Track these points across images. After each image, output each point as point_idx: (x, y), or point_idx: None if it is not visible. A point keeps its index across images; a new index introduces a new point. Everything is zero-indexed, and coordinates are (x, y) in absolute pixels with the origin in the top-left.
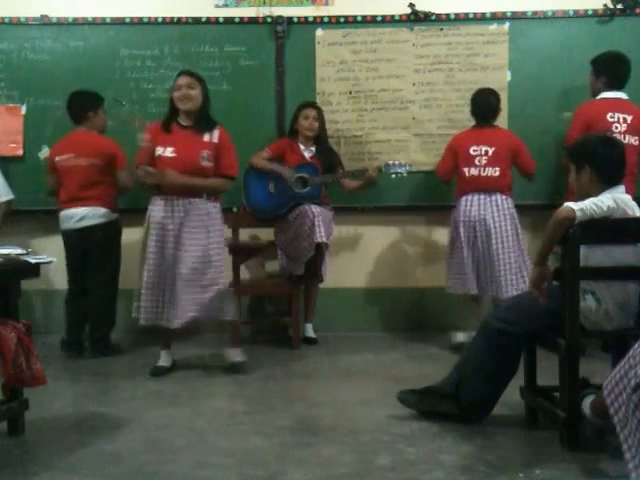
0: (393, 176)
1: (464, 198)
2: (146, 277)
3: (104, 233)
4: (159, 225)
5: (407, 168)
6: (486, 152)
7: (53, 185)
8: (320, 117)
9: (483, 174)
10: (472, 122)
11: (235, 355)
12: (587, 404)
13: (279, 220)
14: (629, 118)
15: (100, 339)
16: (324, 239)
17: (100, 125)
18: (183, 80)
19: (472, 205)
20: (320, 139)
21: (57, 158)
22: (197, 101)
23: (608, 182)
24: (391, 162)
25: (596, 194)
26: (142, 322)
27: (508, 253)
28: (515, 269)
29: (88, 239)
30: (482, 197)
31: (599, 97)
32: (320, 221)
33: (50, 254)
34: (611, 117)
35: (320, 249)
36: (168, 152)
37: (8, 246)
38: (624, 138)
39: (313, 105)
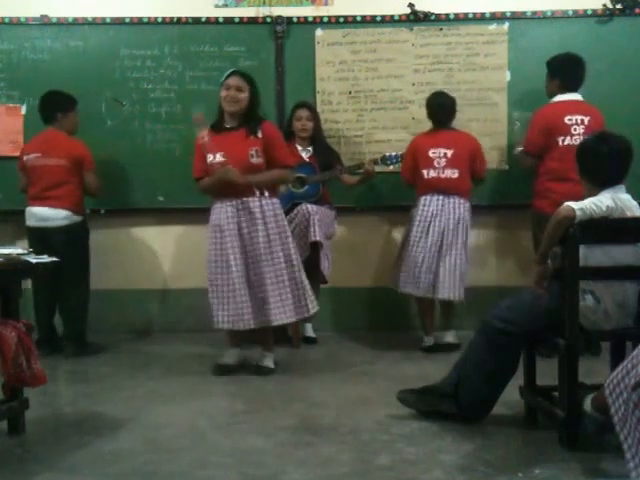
0: (391, 167)
1: (422, 198)
2: (214, 281)
3: (67, 235)
4: (218, 228)
5: (401, 158)
6: (445, 154)
7: (23, 183)
8: (314, 117)
9: (442, 175)
10: (472, 122)
11: (269, 360)
12: (588, 401)
13: None
14: (586, 119)
15: (75, 339)
16: (318, 238)
17: (69, 126)
18: (233, 81)
19: (430, 205)
20: (317, 138)
21: (25, 157)
22: (242, 104)
23: (603, 184)
24: (387, 154)
25: (596, 194)
26: (219, 326)
27: (455, 256)
28: (456, 274)
29: (50, 240)
30: (440, 198)
31: (555, 100)
32: (316, 220)
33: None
34: (569, 120)
35: (316, 248)
36: (218, 158)
37: (9, 246)
38: (585, 137)
39: (306, 105)
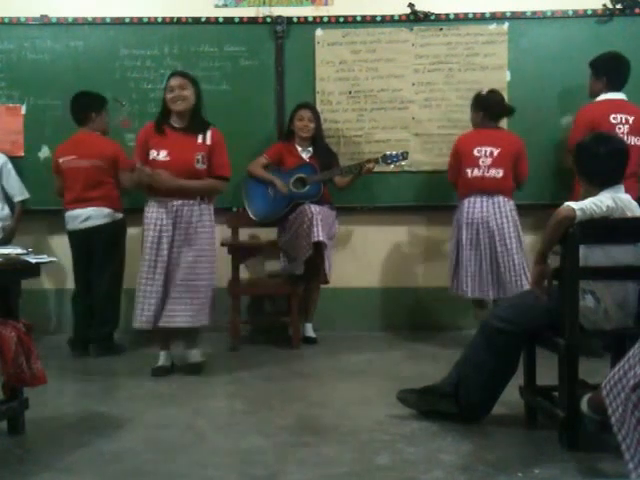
0: (392, 167)
1: (467, 200)
2: (141, 279)
3: (109, 233)
4: (153, 227)
5: (405, 157)
6: (491, 153)
7: (59, 186)
8: (316, 118)
9: (487, 175)
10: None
11: (195, 356)
12: (584, 401)
13: (280, 221)
14: (631, 119)
15: (104, 338)
16: (322, 238)
17: (102, 126)
18: (175, 81)
19: (475, 207)
20: (317, 139)
21: (61, 160)
22: (190, 102)
23: (602, 185)
24: (388, 153)
25: (596, 194)
26: (136, 325)
27: (512, 255)
28: (519, 271)
29: (93, 239)
30: (485, 199)
31: (600, 98)
32: (318, 220)
33: (53, 254)
34: (614, 118)
35: (319, 248)
36: (162, 155)
37: (9, 246)
38: (627, 139)
39: (308, 106)
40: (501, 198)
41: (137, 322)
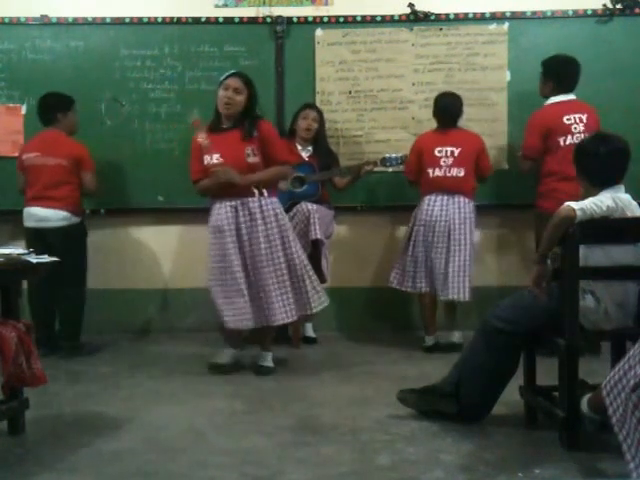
0: (390, 170)
1: (427, 197)
2: (215, 283)
3: (65, 236)
4: (218, 229)
5: (404, 160)
6: (452, 153)
7: (22, 183)
8: (320, 119)
9: (448, 175)
10: (472, 122)
11: (269, 360)
12: (584, 401)
13: None
14: (584, 117)
15: (71, 340)
16: (319, 236)
17: (70, 127)
18: (232, 82)
19: (434, 205)
20: (319, 140)
21: (24, 156)
22: (239, 107)
23: (602, 185)
24: (387, 155)
25: (595, 194)
26: (228, 326)
27: (463, 256)
28: (465, 274)
29: (48, 240)
30: (445, 198)
31: (549, 102)
32: (316, 219)
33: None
34: (567, 119)
35: (317, 246)
36: (215, 159)
37: (9, 246)
38: (584, 137)
39: (314, 107)
40: (462, 198)
41: (227, 323)
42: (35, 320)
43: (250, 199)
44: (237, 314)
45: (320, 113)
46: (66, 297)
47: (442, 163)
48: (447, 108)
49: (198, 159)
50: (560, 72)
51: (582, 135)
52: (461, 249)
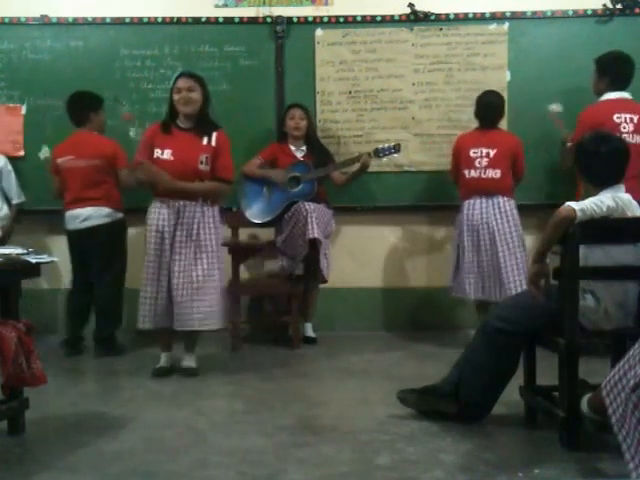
0: (384, 160)
1: (467, 202)
2: (146, 280)
3: (109, 232)
4: (155, 227)
5: (397, 150)
6: (487, 154)
7: (58, 187)
8: (307, 116)
9: (484, 176)
10: (472, 122)
11: (189, 361)
12: (584, 402)
13: (277, 221)
14: (635, 118)
15: (106, 338)
16: (316, 235)
17: (100, 125)
18: (183, 82)
19: (474, 209)
20: (310, 138)
21: (59, 160)
22: (197, 104)
23: (603, 184)
24: (380, 146)
25: (596, 194)
26: (140, 326)
27: (513, 255)
28: (521, 271)
29: (93, 239)
30: (484, 200)
31: (603, 98)
32: (313, 218)
33: (52, 254)
34: (617, 118)
35: (315, 246)
36: (166, 154)
37: (9, 246)
38: (632, 138)
39: (298, 105)
40: (500, 198)
41: (141, 323)
42: (70, 320)
43: (190, 203)
44: (156, 316)
45: (306, 110)
46: (108, 295)
47: (477, 164)
48: (489, 107)
49: (146, 148)
50: (616, 68)
51: (630, 136)
52: (510, 250)
